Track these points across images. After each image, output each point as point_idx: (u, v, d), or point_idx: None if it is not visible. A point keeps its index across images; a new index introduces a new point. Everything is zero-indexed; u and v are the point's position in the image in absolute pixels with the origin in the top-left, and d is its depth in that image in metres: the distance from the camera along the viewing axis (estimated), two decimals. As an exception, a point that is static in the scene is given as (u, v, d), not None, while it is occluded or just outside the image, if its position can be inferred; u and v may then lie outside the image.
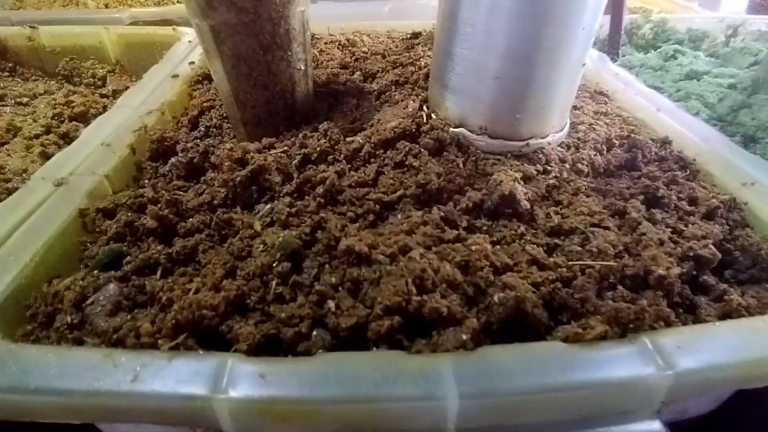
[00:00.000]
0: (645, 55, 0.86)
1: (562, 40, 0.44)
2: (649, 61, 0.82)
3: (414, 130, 0.49)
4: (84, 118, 0.68)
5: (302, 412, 0.28)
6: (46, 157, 0.57)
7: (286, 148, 0.49)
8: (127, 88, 0.78)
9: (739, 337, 0.32)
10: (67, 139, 0.62)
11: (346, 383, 0.28)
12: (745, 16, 1.14)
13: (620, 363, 0.30)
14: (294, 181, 0.45)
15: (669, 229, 0.42)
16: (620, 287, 0.36)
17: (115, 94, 0.80)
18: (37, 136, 0.62)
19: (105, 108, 0.71)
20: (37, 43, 0.87)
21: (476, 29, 0.45)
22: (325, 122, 0.52)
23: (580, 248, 0.39)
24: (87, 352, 0.31)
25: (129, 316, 0.34)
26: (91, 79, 0.85)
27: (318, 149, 0.48)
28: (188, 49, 0.80)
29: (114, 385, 0.28)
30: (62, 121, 0.66)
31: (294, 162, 0.47)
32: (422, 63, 0.61)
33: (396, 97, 0.57)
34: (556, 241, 0.41)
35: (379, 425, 0.28)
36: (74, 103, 0.70)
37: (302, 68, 0.55)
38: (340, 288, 0.35)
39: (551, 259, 0.39)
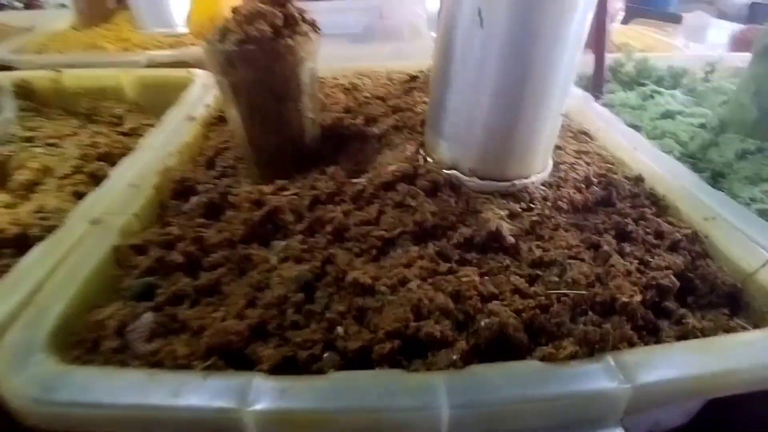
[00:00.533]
0: (626, 93, 0.92)
1: (542, 95, 0.50)
2: (629, 100, 0.88)
3: (412, 173, 0.55)
4: (108, 158, 0.73)
5: (317, 420, 0.33)
6: (77, 196, 0.62)
7: (297, 190, 0.55)
8: (143, 125, 0.84)
9: (692, 356, 0.37)
10: (95, 178, 0.67)
11: (355, 397, 0.34)
12: (723, 53, 1.21)
13: (588, 378, 0.35)
14: (305, 220, 0.51)
15: (636, 261, 0.47)
16: (591, 313, 0.41)
17: (133, 131, 0.85)
18: (67, 176, 0.67)
19: (125, 147, 0.76)
20: (60, 85, 0.93)
21: (466, 85, 0.51)
22: (332, 165, 0.58)
23: (557, 278, 0.45)
24: (133, 372, 0.36)
25: (165, 341, 0.39)
26: (110, 118, 0.91)
27: (326, 191, 0.54)
28: (203, 91, 0.86)
29: (159, 400, 0.33)
30: (89, 162, 0.72)
31: (305, 203, 0.53)
32: (418, 109, 0.67)
33: (395, 140, 0.63)
34: (538, 272, 0.46)
35: (383, 432, 0.33)
36: (99, 144, 0.76)
37: (310, 116, 0.61)
38: (347, 315, 0.41)
39: (532, 289, 0.44)
